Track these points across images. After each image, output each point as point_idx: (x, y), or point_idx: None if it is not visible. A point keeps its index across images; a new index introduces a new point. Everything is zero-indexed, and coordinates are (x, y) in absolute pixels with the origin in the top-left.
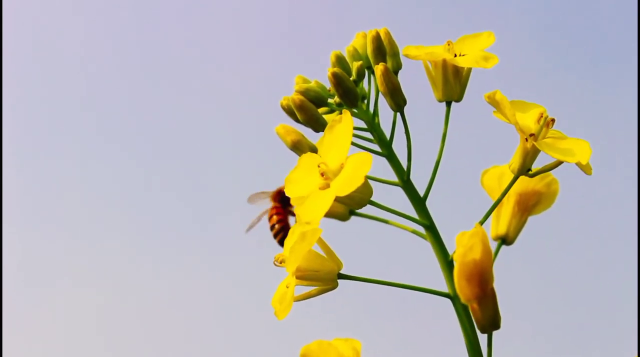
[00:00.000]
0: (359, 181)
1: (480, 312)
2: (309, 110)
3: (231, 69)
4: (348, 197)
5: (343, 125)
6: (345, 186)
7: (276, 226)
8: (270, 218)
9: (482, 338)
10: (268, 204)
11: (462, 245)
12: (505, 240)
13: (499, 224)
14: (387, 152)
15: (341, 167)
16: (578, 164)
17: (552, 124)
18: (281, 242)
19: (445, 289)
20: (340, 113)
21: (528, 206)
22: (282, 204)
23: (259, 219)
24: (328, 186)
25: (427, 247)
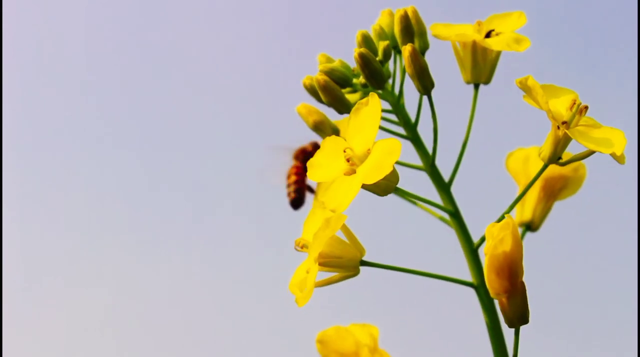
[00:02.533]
0: (388, 169)
1: (509, 306)
2: (334, 91)
3: (247, 48)
4: (374, 184)
5: (370, 108)
6: (373, 173)
7: (292, 186)
8: (288, 177)
9: (507, 331)
10: (286, 159)
11: (492, 237)
12: (530, 226)
13: (524, 209)
14: (412, 135)
15: (368, 152)
16: (612, 155)
17: (585, 111)
18: (293, 204)
19: (469, 278)
20: (365, 94)
21: (554, 191)
22: (304, 165)
23: (273, 171)
24: (354, 171)
25: (451, 234)
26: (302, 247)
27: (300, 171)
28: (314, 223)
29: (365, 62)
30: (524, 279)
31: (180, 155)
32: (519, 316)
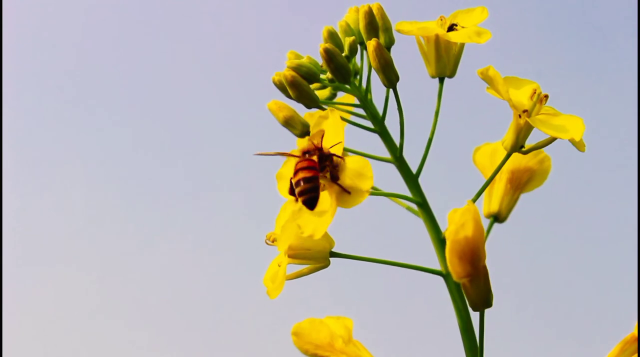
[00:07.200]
0: (364, 196)
1: (472, 290)
2: (301, 87)
3: (222, 41)
4: None
5: (331, 121)
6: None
7: (302, 184)
8: (296, 172)
9: (474, 316)
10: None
11: (453, 222)
12: (497, 217)
13: (491, 201)
14: (380, 128)
15: None
16: (571, 141)
17: (546, 100)
18: (307, 204)
19: (438, 266)
20: (333, 89)
21: (520, 183)
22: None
23: (275, 153)
24: (324, 187)
25: (419, 224)
26: (272, 241)
27: (314, 165)
28: (285, 218)
29: (330, 56)
30: (486, 263)
31: (167, 131)
32: (483, 300)
